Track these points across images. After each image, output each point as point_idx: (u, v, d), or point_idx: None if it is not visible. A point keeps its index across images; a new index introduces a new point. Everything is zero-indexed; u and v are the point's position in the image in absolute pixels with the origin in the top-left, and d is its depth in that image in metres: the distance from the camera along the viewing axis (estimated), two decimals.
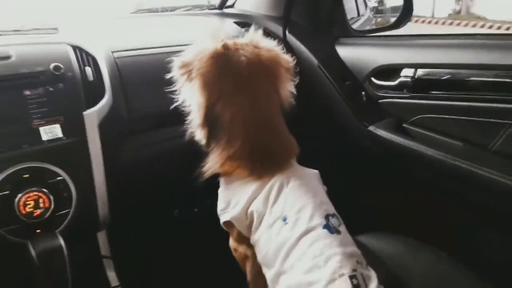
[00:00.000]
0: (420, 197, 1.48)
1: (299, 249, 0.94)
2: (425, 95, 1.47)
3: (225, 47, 1.07)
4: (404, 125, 1.54)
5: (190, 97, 1.08)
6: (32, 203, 1.14)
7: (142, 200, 1.50)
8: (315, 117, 1.79)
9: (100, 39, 1.45)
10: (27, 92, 1.17)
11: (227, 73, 1.05)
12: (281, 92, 1.12)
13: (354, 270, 0.89)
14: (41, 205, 1.16)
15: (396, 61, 1.56)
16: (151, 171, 1.51)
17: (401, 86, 1.53)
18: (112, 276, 1.44)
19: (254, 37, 1.13)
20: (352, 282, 0.87)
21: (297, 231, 0.96)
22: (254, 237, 1.05)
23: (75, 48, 1.32)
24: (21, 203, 1.13)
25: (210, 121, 1.07)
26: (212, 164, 1.10)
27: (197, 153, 1.59)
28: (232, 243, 1.18)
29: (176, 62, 1.10)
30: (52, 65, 1.21)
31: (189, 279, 1.67)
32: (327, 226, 0.98)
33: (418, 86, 1.48)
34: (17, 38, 1.29)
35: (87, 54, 1.34)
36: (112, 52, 1.42)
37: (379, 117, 1.62)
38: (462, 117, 1.35)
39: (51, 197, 1.17)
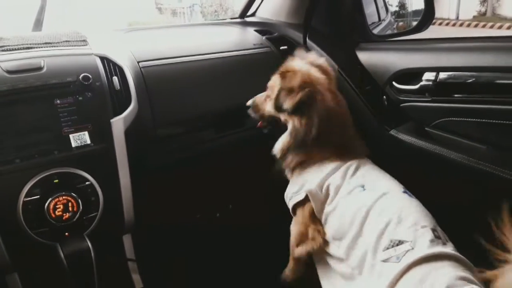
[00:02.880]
0: (442, 201, 1.46)
1: (379, 207, 1.05)
2: (447, 98, 1.45)
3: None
4: (426, 128, 1.53)
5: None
6: (61, 207, 1.19)
7: (166, 204, 1.53)
8: None
9: (126, 49, 1.50)
10: (58, 101, 1.23)
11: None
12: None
13: (435, 225, 1.01)
14: (70, 208, 1.21)
15: (417, 65, 1.55)
16: (175, 177, 1.54)
17: (423, 90, 1.52)
18: (136, 278, 1.47)
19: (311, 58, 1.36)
20: (433, 233, 0.97)
21: (376, 194, 1.08)
22: (328, 209, 1.15)
23: (103, 59, 1.38)
24: (51, 207, 1.18)
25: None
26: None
27: (220, 159, 1.62)
28: (295, 225, 1.26)
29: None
30: (81, 76, 1.27)
31: (211, 281, 1.69)
32: (406, 192, 1.12)
33: (440, 89, 1.47)
34: (48, 50, 1.35)
35: (114, 64, 1.39)
36: (138, 62, 1.47)
37: (401, 120, 1.62)
38: (485, 120, 1.33)
39: (80, 201, 1.22)
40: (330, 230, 1.16)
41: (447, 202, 1.47)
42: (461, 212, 1.40)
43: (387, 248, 0.97)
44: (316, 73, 1.30)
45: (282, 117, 1.29)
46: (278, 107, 1.26)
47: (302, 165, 1.28)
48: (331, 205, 1.15)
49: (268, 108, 1.33)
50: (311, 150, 1.25)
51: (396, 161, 1.62)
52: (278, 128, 1.33)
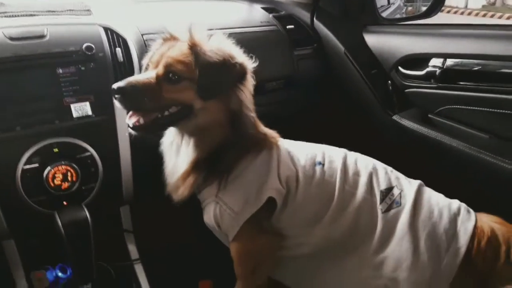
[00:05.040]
0: (442, 189, 1.47)
1: (351, 169, 1.08)
2: (452, 85, 1.44)
3: None
4: (429, 115, 1.53)
5: None
6: (60, 176, 1.19)
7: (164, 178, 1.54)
8: (340, 105, 1.79)
9: (131, 21, 1.48)
10: (60, 71, 1.22)
11: None
12: None
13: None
14: (69, 178, 1.21)
15: (424, 50, 1.53)
16: None
17: (429, 76, 1.51)
18: (132, 249, 1.49)
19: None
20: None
21: (338, 163, 1.09)
22: (296, 201, 1.06)
23: (107, 29, 1.36)
24: (50, 175, 1.18)
25: None
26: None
27: None
28: (248, 245, 1.10)
29: None
30: (84, 45, 1.25)
31: (207, 257, 1.70)
32: (348, 151, 1.16)
33: (446, 76, 1.46)
34: (51, 18, 1.33)
35: (118, 35, 1.37)
36: (142, 34, 1.44)
37: (405, 106, 1.61)
38: (489, 109, 1.32)
39: (79, 171, 1.22)
40: (302, 218, 1.06)
41: (446, 189, 1.48)
42: (461, 200, 1.41)
43: (383, 200, 1.03)
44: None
45: (199, 104, 1.01)
46: (207, 90, 0.99)
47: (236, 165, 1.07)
48: (298, 196, 1.06)
49: (184, 95, 1.01)
50: (246, 141, 1.06)
51: (396, 146, 1.62)
52: (176, 121, 1.06)
